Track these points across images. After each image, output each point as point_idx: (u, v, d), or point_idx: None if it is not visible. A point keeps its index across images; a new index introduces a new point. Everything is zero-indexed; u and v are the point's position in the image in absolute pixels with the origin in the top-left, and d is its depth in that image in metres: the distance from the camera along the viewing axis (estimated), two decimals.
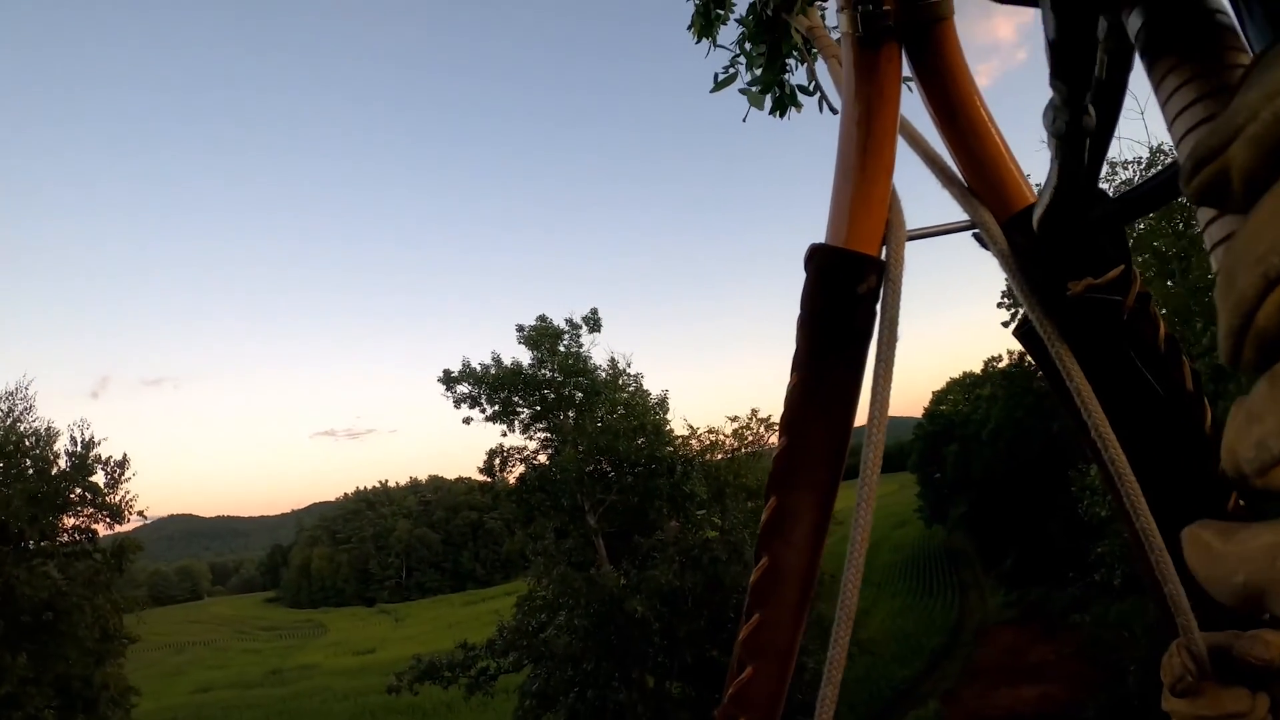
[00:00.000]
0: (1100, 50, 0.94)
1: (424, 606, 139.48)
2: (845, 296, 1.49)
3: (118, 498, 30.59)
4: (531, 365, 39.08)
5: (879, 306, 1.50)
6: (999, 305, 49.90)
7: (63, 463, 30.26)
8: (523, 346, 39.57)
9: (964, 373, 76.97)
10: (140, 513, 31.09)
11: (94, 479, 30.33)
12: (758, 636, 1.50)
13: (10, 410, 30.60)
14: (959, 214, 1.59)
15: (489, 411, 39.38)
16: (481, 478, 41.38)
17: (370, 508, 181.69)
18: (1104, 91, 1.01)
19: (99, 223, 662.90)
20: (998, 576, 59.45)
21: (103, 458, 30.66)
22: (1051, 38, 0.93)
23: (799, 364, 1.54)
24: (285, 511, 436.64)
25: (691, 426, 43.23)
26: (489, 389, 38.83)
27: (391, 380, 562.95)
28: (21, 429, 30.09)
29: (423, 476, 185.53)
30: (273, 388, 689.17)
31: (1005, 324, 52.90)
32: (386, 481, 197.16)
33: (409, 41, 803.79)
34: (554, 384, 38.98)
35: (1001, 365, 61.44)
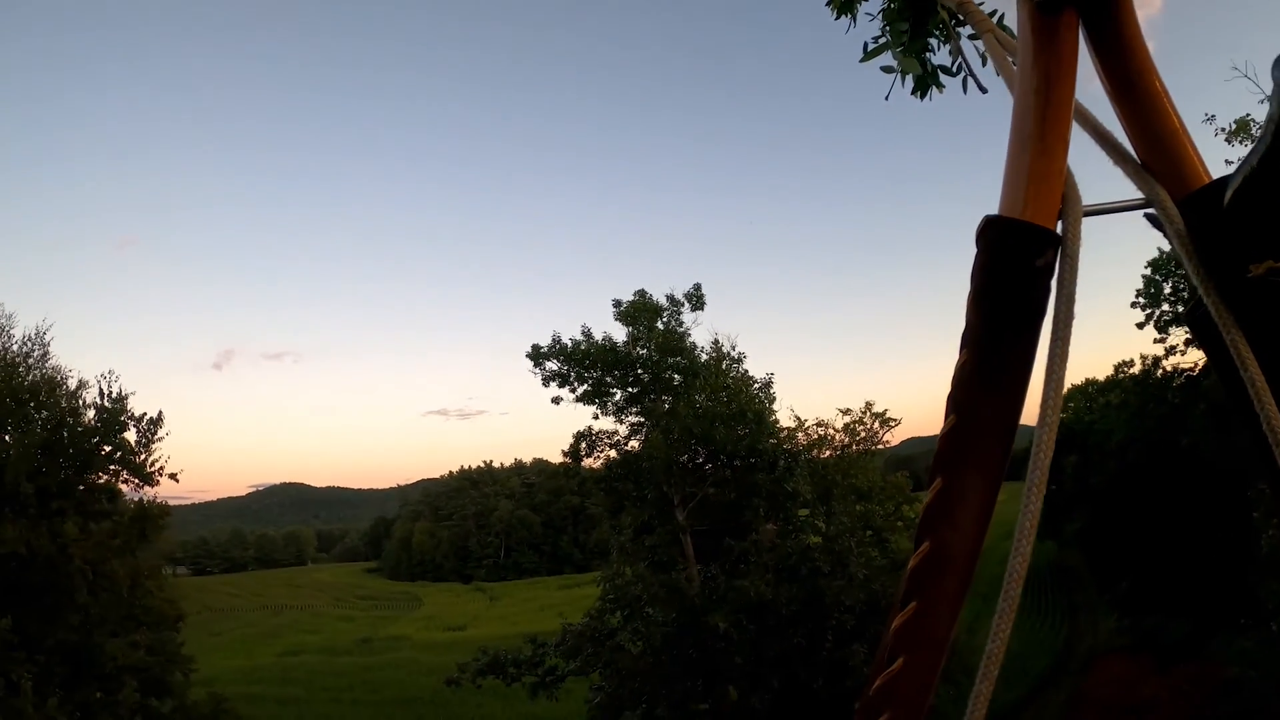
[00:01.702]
0: None
1: (519, 587, 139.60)
2: (1021, 271, 1.39)
3: (149, 459, 28.09)
4: (626, 342, 36.02)
5: (1055, 282, 1.38)
6: (1133, 305, 46.03)
7: (90, 416, 27.75)
8: (618, 323, 36.64)
9: (1086, 379, 73.29)
10: (172, 475, 28.63)
11: (126, 435, 27.87)
12: (913, 626, 1.34)
13: (27, 356, 28.27)
14: (1118, 194, 1.48)
15: (579, 391, 36.49)
16: (565, 461, 38.25)
17: (474, 486, 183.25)
18: None
19: (226, 199, 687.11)
20: (1111, 600, 55.48)
21: (136, 414, 28.13)
22: None
23: (970, 340, 1.42)
24: (393, 485, 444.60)
25: (799, 418, 39.53)
26: (578, 366, 35.89)
27: (507, 363, 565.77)
28: (33, 378, 27.76)
29: (528, 459, 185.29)
30: (389, 366, 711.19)
31: (1140, 325, 48.75)
32: (491, 462, 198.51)
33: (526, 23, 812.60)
34: (649, 363, 35.75)
35: (1133, 371, 56.90)
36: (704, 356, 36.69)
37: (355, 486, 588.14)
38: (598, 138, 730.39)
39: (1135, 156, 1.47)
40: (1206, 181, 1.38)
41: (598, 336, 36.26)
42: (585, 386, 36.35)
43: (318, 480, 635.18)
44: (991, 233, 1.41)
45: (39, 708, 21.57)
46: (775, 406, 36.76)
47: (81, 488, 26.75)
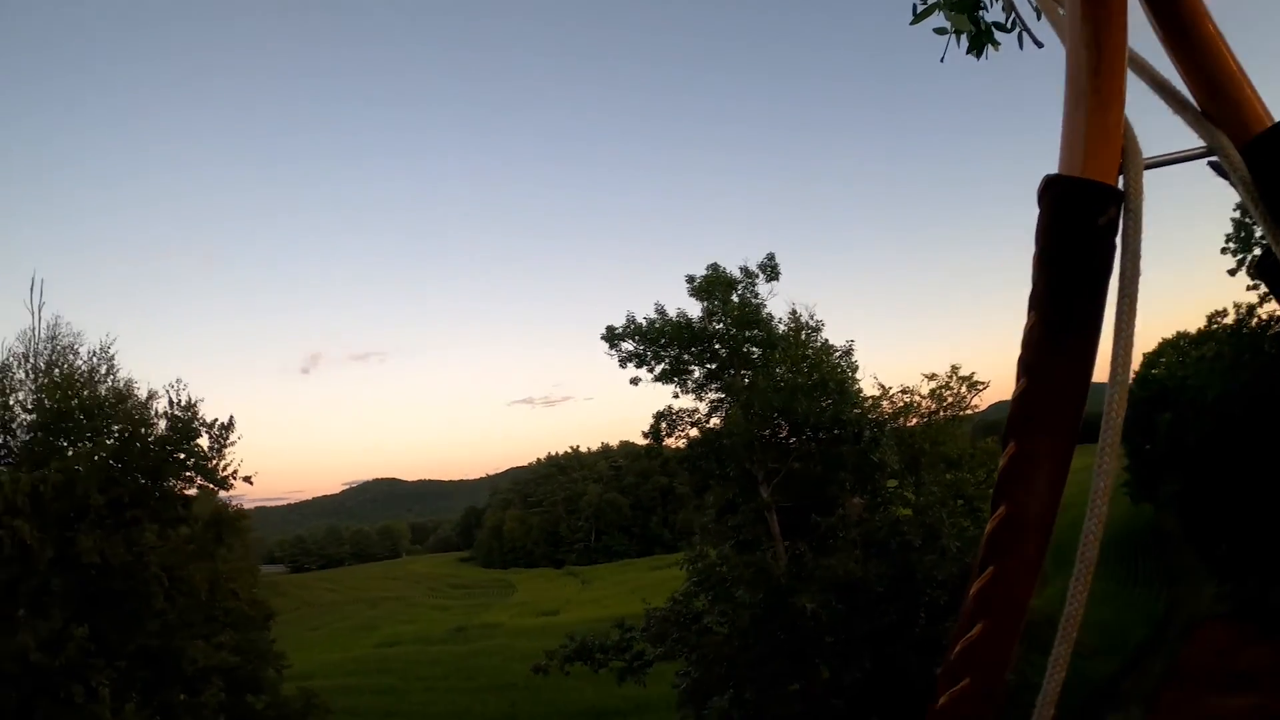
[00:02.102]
0: None
1: (611, 570, 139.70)
2: (1085, 229, 1.35)
3: (222, 463, 28.14)
4: (701, 318, 35.10)
5: (1119, 239, 1.35)
6: (1223, 251, 44.10)
7: (161, 426, 27.86)
8: (693, 299, 35.66)
9: (1178, 332, 71.00)
10: (246, 479, 28.68)
11: (199, 442, 27.94)
12: (992, 591, 1.33)
13: (93, 371, 28.49)
14: (1182, 144, 1.45)
15: (656, 371, 35.64)
16: (646, 442, 37.51)
17: (562, 472, 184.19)
18: None
19: (311, 208, 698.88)
20: (1211, 565, 53.21)
21: (207, 420, 28.21)
22: None
23: (1036, 302, 1.38)
24: (483, 475, 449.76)
25: (882, 385, 38.23)
26: (654, 345, 35.12)
27: (590, 349, 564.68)
28: (102, 391, 27.88)
29: (614, 442, 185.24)
30: (473, 359, 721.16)
31: (1232, 272, 46.66)
32: (578, 447, 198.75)
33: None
34: (725, 338, 34.82)
35: (1226, 321, 54.11)
36: (782, 328, 35.62)
37: (446, 478, 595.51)
38: (668, 112, 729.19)
39: (1195, 104, 1.43)
40: (1269, 125, 1.34)
41: (672, 314, 35.40)
42: (663, 365, 35.50)
43: (409, 474, 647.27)
44: (1052, 192, 1.37)
45: (117, 712, 21.68)
46: (857, 375, 35.53)
47: (156, 495, 26.88)
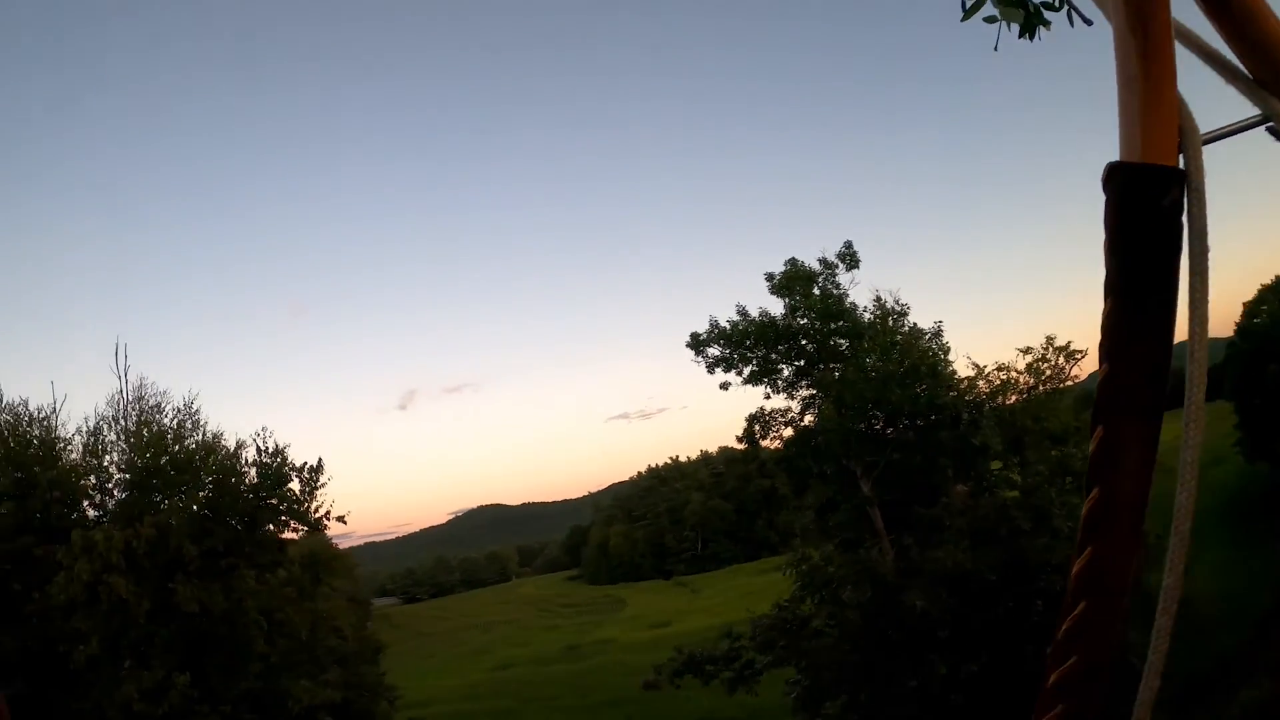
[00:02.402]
0: None
1: (720, 577, 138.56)
2: (1150, 213, 1.42)
3: (314, 506, 28.34)
4: (784, 315, 34.32)
5: (1185, 218, 1.42)
6: None
7: (252, 474, 28.37)
8: (775, 296, 34.92)
9: (1278, 276, 66.65)
10: (340, 518, 28.88)
11: (290, 486, 28.21)
12: (1092, 570, 1.42)
13: (180, 425, 28.92)
14: (1240, 112, 1.52)
15: (745, 373, 34.99)
16: (740, 446, 36.88)
17: (663, 484, 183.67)
18: None
19: (383, 248, 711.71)
20: None
21: (296, 464, 28.48)
22: None
23: (1111, 288, 1.46)
24: (585, 494, 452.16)
25: (977, 365, 36.61)
26: (739, 347, 34.45)
27: (680, 358, 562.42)
28: (190, 444, 28.36)
29: (713, 449, 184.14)
30: (566, 379, 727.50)
31: None
32: (678, 457, 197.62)
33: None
34: (810, 332, 34.01)
35: None
36: (867, 316, 34.68)
37: (549, 500, 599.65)
38: (736, 111, 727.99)
39: (1246, 72, 1.48)
40: None
41: (754, 313, 34.66)
42: (751, 367, 34.82)
43: (513, 499, 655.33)
44: (1115, 179, 1.41)
45: None
46: (950, 357, 34.56)
47: (253, 541, 27.24)
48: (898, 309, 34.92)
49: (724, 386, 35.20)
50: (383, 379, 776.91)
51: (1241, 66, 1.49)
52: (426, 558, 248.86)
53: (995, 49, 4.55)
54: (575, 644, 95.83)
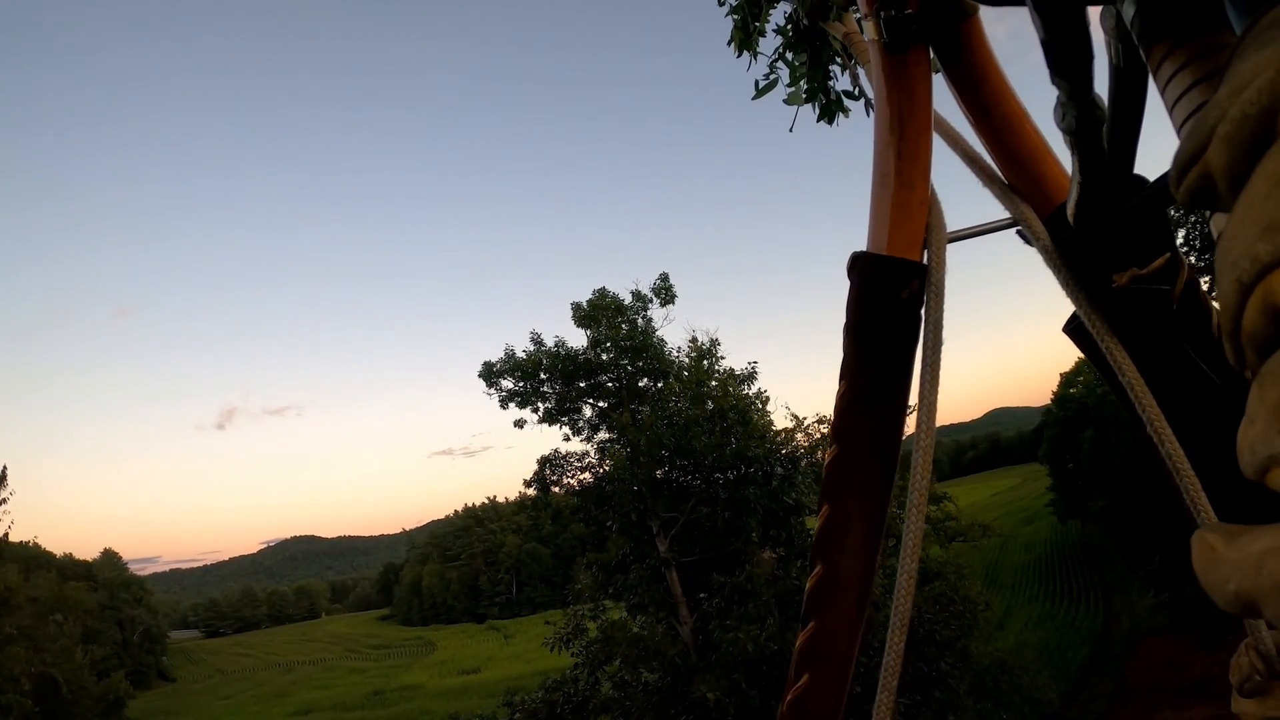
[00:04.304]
0: (1114, 38, 0.98)
1: (534, 623, 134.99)
2: (888, 303, 1.50)
3: None
4: (585, 348, 30.83)
5: (923, 311, 1.50)
6: None
7: None
8: (580, 328, 31.39)
9: None
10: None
11: None
12: (814, 644, 1.48)
13: None
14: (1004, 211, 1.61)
15: (541, 410, 31.20)
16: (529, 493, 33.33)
17: (479, 524, 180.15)
18: (1124, 78, 1.03)
19: (218, 261, 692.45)
20: (1145, 576, 54.47)
21: None
22: (1042, 37, 1.03)
23: (846, 372, 1.54)
24: (401, 530, 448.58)
25: (796, 416, 33.63)
26: (529, 379, 30.71)
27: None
28: None
29: (532, 491, 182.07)
30: (392, 411, 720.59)
31: None
32: (495, 497, 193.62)
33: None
34: (610, 367, 30.53)
35: None
36: (682, 357, 31.41)
37: (366, 534, 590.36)
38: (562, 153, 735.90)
39: (1001, 177, 1.54)
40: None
41: (550, 343, 31.32)
42: (547, 404, 31.13)
43: (328, 531, 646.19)
44: (858, 268, 1.48)
45: None
46: (769, 409, 31.08)
47: None
48: (707, 347, 31.56)
49: (519, 424, 31.34)
50: (203, 394, 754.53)
51: (999, 171, 1.52)
52: (234, 589, 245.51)
53: (790, 130, 5.48)
54: (380, 689, 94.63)
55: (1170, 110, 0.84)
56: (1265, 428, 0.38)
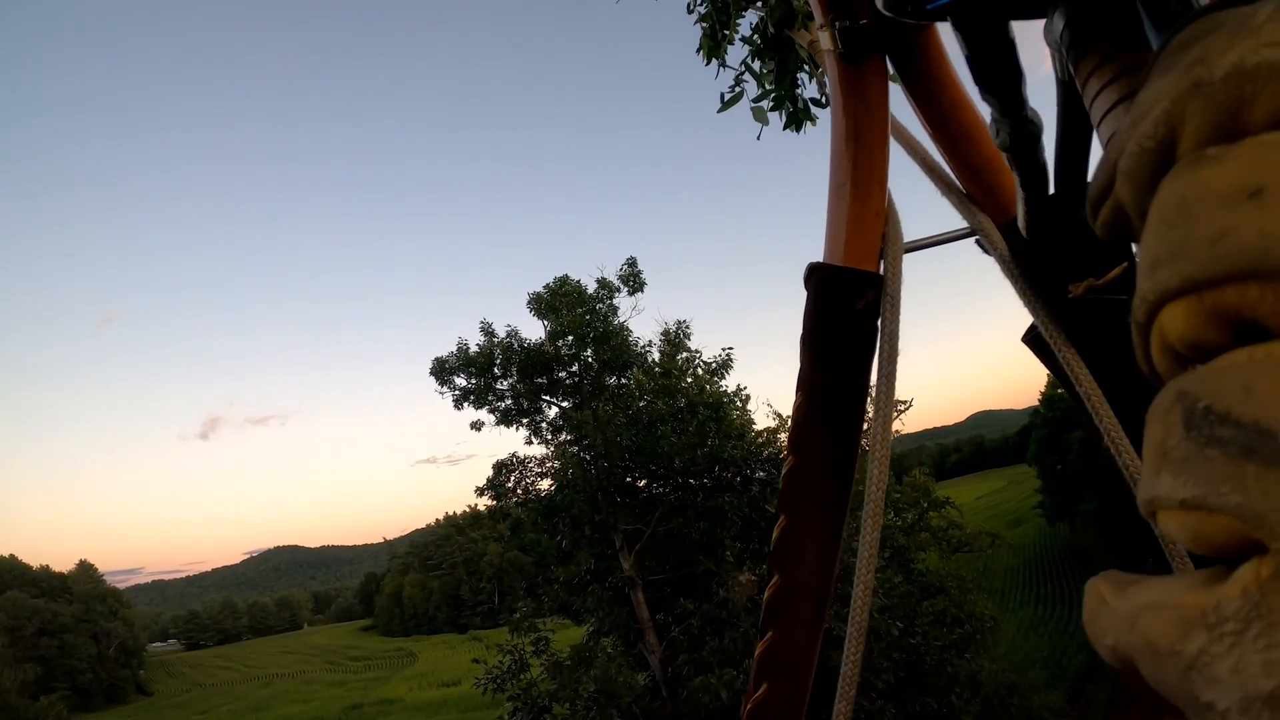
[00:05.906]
0: (1055, 50, 0.94)
1: None
2: (844, 314, 1.50)
3: None
4: (543, 340, 27.57)
5: (880, 322, 1.51)
6: None
7: None
8: (540, 320, 28.16)
9: None
10: None
11: None
12: (772, 654, 1.48)
13: None
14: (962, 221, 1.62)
15: (500, 409, 27.79)
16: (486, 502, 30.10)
17: (460, 532, 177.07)
18: (1070, 91, 1.00)
19: (202, 270, 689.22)
20: None
21: None
22: (965, 53, 1.03)
23: (802, 383, 1.54)
24: (383, 540, 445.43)
25: (780, 415, 30.40)
26: (483, 375, 27.39)
27: None
28: None
29: (485, 500, 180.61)
30: (376, 420, 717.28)
31: None
32: (475, 505, 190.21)
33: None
34: (570, 360, 27.35)
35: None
36: (654, 351, 27.99)
37: (350, 544, 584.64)
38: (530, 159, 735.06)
39: (959, 186, 1.52)
40: None
41: (501, 334, 28.15)
42: (504, 403, 27.75)
43: (311, 541, 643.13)
44: (815, 278, 1.47)
45: None
46: (750, 407, 27.77)
47: None
48: (677, 338, 28.12)
49: (475, 426, 27.91)
50: (187, 404, 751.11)
51: (957, 181, 1.51)
52: (216, 600, 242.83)
53: (758, 138, 5.78)
54: (358, 703, 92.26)
55: (1097, 127, 0.83)
56: (1147, 469, 0.38)
